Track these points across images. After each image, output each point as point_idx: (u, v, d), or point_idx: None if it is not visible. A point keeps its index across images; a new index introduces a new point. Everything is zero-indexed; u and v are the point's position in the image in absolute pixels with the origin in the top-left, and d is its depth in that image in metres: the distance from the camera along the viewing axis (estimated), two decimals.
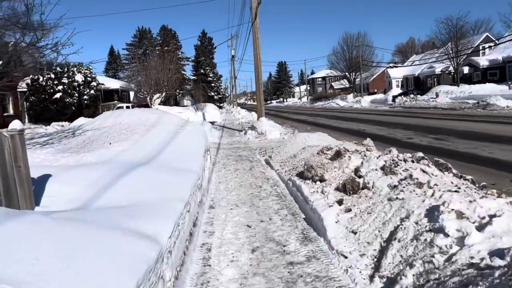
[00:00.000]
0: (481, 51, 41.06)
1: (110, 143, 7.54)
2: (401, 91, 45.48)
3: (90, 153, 6.94)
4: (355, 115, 27.90)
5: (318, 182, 5.59)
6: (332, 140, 9.50)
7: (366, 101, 45.79)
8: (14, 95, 27.49)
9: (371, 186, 4.62)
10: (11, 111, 26.84)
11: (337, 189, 4.99)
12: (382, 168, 4.82)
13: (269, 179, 7.38)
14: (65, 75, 26.69)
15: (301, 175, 6.29)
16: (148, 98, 40.68)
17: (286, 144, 9.25)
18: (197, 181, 4.80)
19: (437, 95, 33.26)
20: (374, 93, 62.09)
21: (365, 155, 5.72)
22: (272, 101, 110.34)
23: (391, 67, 66.74)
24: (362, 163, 5.19)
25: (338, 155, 5.96)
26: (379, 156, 5.19)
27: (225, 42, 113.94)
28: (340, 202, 4.54)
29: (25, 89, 26.75)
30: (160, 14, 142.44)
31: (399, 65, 66.36)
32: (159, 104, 40.61)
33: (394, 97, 41.06)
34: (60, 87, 26.00)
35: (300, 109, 53.34)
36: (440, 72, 41.83)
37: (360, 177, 4.86)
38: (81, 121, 14.58)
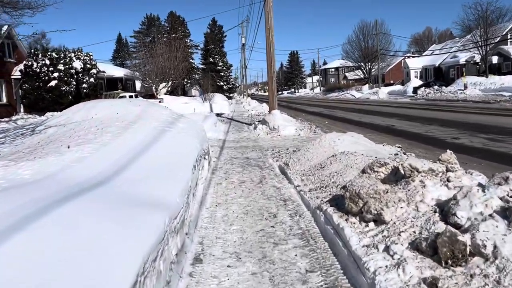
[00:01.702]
0: (509, 40, 38.11)
1: (69, 147, 5.43)
2: (421, 82, 42.73)
3: (34, 161, 4.83)
4: (376, 108, 25.49)
5: (371, 224, 3.41)
6: (370, 144, 7.27)
7: (383, 92, 43.22)
8: (8, 82, 25.62)
9: (490, 252, 2.43)
10: (4, 100, 24.99)
11: (414, 247, 2.79)
12: (504, 213, 2.62)
13: (287, 202, 5.20)
14: (61, 61, 24.68)
15: (337, 204, 4.10)
16: (153, 88, 38.68)
17: (308, 148, 7.06)
18: (164, 236, 2.66)
19: (465, 87, 30.61)
20: (391, 84, 59.26)
21: (448, 180, 3.50)
22: (284, 92, 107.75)
23: (409, 57, 63.84)
24: (455, 197, 2.98)
25: (401, 176, 3.75)
26: (486, 186, 2.97)
27: (235, 27, 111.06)
28: (432, 286, 2.35)
29: (19, 76, 24.83)
30: (170, 1, 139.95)
31: (417, 55, 63.39)
32: (165, 93, 38.56)
33: (416, 89, 38.38)
34: (55, 74, 24.03)
35: (313, 100, 50.89)
36: (464, 62, 38.99)
37: (461, 229, 2.67)
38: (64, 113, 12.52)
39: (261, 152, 9.87)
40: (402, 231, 3.01)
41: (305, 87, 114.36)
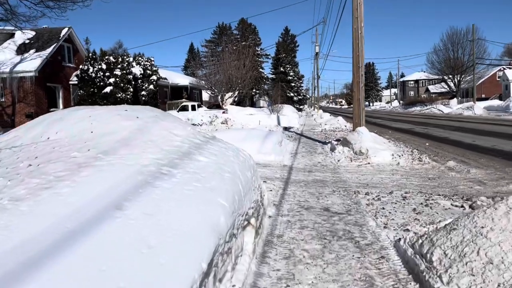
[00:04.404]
0: None
1: None
2: None
3: None
4: (484, 126, 20.28)
5: None
6: None
7: (479, 107, 37.05)
8: (66, 88, 24.24)
9: None
10: (61, 106, 23.56)
11: None
12: None
13: None
14: (119, 66, 22.73)
15: None
16: (219, 97, 36.24)
17: (482, 226, 3.18)
18: None
19: None
20: (483, 99, 52.06)
21: None
22: None
23: (505, 68, 56.13)
24: None
25: None
26: None
27: (309, 30, 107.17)
28: None
29: (77, 82, 23.29)
30: (242, 13, 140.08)
31: None
32: (231, 104, 35.93)
33: None
34: (111, 80, 22.08)
35: (393, 114, 45.58)
36: None
37: None
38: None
39: (348, 196, 6.14)
40: None
41: (380, 100, 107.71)
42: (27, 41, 22.97)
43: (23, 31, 22.67)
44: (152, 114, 4.21)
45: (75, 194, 2.49)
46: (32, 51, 22.06)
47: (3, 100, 21.33)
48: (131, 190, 2.61)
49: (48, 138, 3.90)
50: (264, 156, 9.69)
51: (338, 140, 12.88)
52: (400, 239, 3.78)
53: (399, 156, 9.52)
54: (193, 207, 2.52)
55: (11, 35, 23.20)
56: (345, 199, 5.97)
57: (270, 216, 4.95)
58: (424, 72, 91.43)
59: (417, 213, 5.02)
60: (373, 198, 5.91)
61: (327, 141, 13.82)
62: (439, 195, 6.08)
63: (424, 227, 4.32)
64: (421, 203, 5.53)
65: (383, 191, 6.42)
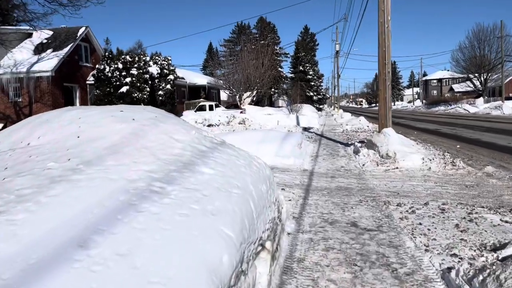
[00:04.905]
0: None
1: None
2: None
3: None
4: None
5: None
6: None
7: (508, 107, 35.47)
8: (83, 88, 24.03)
9: None
10: (77, 106, 23.35)
11: None
12: None
13: None
14: (135, 65, 22.37)
15: None
16: (237, 97, 35.65)
17: None
18: None
19: None
20: (511, 98, 50.02)
21: None
22: (377, 105, 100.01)
23: None
24: None
25: None
26: None
27: (329, 28, 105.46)
28: None
29: (93, 81, 23.04)
30: (261, 11, 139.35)
31: None
32: (250, 103, 35.30)
33: None
34: (128, 80, 21.72)
35: (416, 114, 44.19)
36: None
37: None
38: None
39: (378, 207, 5.42)
40: None
41: (401, 100, 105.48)
42: (44, 41, 22.85)
43: (41, 30, 22.59)
44: (151, 116, 3.60)
45: (31, 224, 1.88)
46: (49, 50, 21.92)
47: (20, 100, 21.23)
48: (107, 216, 1.99)
49: (29, 143, 3.33)
50: (282, 160, 9.02)
51: (361, 142, 12.11)
52: (450, 269, 3.07)
53: (430, 160, 8.73)
54: (186, 242, 1.88)
55: (29, 35, 23.12)
56: (374, 211, 5.26)
57: (289, 233, 4.29)
58: (448, 70, 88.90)
59: (461, 231, 4.27)
60: (407, 211, 5.18)
61: (349, 143, 13.06)
62: (482, 207, 5.30)
63: (474, 250, 3.60)
64: (464, 218, 4.78)
65: (416, 201, 5.68)
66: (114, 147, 3.03)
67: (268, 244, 3.05)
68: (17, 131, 3.71)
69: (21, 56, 21.50)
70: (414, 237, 4.13)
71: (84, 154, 2.90)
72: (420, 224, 4.59)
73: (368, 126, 20.07)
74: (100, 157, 2.85)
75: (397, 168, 8.44)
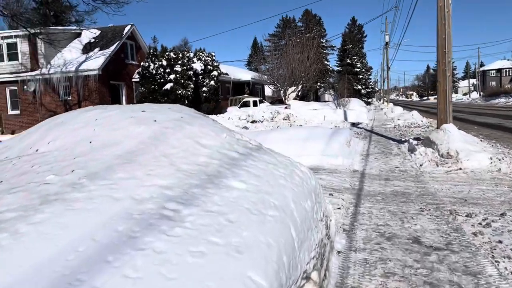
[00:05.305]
0: None
1: None
2: None
3: None
4: None
5: None
6: None
7: None
8: (129, 86, 24.33)
9: None
10: (124, 103, 23.67)
11: None
12: None
13: None
14: (179, 62, 22.28)
15: None
16: (282, 92, 34.96)
17: None
18: None
19: None
20: None
21: None
22: (430, 98, 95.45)
23: None
24: None
25: None
26: None
27: (378, 18, 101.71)
28: None
29: (138, 79, 23.24)
30: (306, 2, 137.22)
31: None
32: (294, 98, 34.50)
33: None
34: (172, 76, 21.67)
35: (474, 107, 41.41)
36: None
37: None
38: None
39: (443, 217, 4.63)
40: None
41: (456, 92, 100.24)
42: (92, 40, 23.30)
43: (87, 30, 23.06)
44: (176, 116, 3.08)
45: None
46: (96, 49, 22.31)
47: (70, 98, 21.77)
48: (93, 257, 1.47)
49: (37, 150, 2.91)
50: (329, 160, 8.32)
51: (417, 138, 11.12)
52: None
53: (499, 160, 7.70)
54: None
55: (78, 35, 23.68)
56: (439, 222, 4.48)
57: (339, 252, 3.65)
58: (508, 60, 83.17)
59: None
60: (480, 223, 4.37)
61: (403, 140, 12.07)
62: None
63: None
64: None
65: (490, 211, 4.83)
66: (128, 155, 2.53)
67: (314, 275, 2.44)
68: (31, 134, 3.32)
69: (70, 56, 22.03)
70: (496, 261, 3.36)
71: (91, 164, 2.42)
72: (500, 242, 3.79)
73: (422, 121, 18.76)
74: (110, 168, 2.36)
75: (460, 169, 7.49)
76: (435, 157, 8.32)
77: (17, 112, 22.46)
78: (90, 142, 2.78)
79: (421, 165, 8.04)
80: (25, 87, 21.90)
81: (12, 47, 21.84)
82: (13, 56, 21.87)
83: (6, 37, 21.76)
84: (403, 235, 4.11)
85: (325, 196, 5.30)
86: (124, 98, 23.81)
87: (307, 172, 3.02)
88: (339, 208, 5.03)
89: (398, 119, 21.14)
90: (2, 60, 21.96)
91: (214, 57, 25.54)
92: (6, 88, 22.45)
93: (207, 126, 3.07)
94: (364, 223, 4.56)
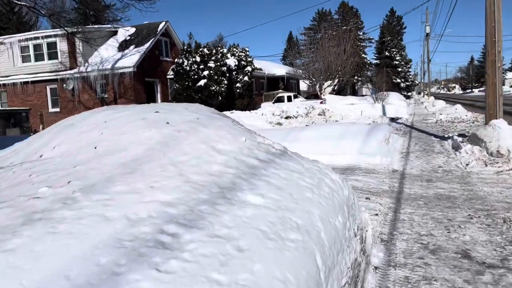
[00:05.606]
0: None
1: None
2: None
3: None
4: None
5: None
6: None
7: None
8: (164, 82, 24.45)
9: None
10: (159, 100, 23.82)
11: None
12: None
13: None
14: (213, 58, 22.13)
15: None
16: (317, 87, 34.23)
17: None
18: None
19: None
20: None
21: None
22: (474, 90, 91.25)
23: None
24: None
25: None
26: None
27: (419, 8, 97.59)
28: None
29: (173, 76, 23.31)
30: None
31: None
32: (330, 93, 33.69)
33: None
34: (205, 73, 21.56)
35: None
36: None
37: None
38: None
39: (495, 227, 4.11)
40: None
41: (503, 84, 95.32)
42: (127, 38, 23.54)
43: (121, 27, 23.34)
44: (192, 118, 2.77)
45: None
46: (131, 47, 22.50)
47: (106, 96, 22.11)
48: None
49: (41, 156, 2.68)
50: (367, 158, 7.83)
51: (461, 135, 10.38)
52: None
53: None
54: None
55: (114, 33, 24.00)
56: (491, 233, 3.97)
57: (376, 268, 3.23)
58: None
59: None
60: None
61: (446, 136, 11.31)
62: None
63: None
64: None
65: None
66: (132, 163, 2.24)
67: (363, 256, 2.07)
68: (41, 137, 3.11)
69: (107, 54, 22.35)
70: None
71: (90, 174, 2.14)
72: None
73: (466, 115, 17.69)
74: (109, 179, 2.07)
75: None
76: (483, 156, 7.65)
77: (57, 109, 23.06)
78: (95, 148, 2.51)
79: (467, 165, 7.40)
80: (64, 85, 22.44)
81: (51, 46, 22.40)
82: (53, 55, 22.43)
83: (46, 37, 22.34)
84: (450, 248, 3.64)
85: (361, 200, 4.87)
86: (159, 95, 23.96)
87: (338, 181, 2.63)
88: (376, 215, 4.59)
89: (440, 114, 20.09)
90: (43, 59, 22.58)
91: (248, 53, 25.25)
92: (47, 86, 23.08)
93: (225, 128, 2.74)
94: (404, 232, 4.10)
